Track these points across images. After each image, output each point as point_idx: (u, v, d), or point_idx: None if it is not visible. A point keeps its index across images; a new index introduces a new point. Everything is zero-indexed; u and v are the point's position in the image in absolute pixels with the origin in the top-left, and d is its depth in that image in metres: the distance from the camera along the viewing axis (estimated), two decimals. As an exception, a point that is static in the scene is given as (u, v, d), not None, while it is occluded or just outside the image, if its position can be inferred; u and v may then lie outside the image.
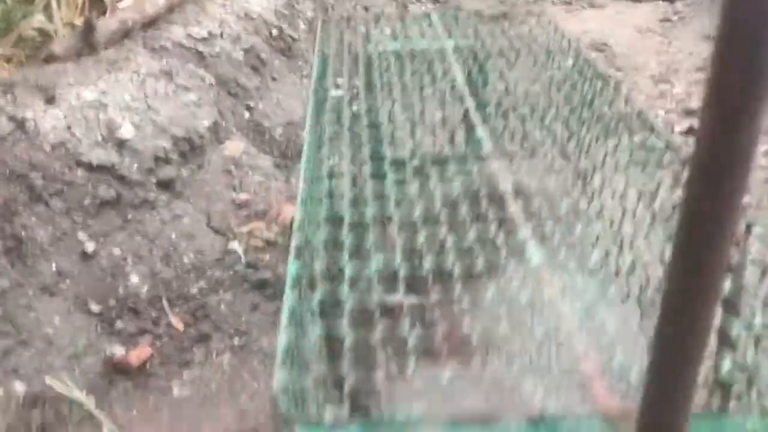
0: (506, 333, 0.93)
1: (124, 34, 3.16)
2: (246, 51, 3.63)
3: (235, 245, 2.69)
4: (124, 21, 3.14)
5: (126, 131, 2.58)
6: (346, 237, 1.14)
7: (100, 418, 1.91)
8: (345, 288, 1.03)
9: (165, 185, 2.69)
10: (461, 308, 0.97)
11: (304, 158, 1.32)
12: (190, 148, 2.87)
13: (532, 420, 0.83)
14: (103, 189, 2.43)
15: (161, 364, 2.12)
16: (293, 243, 1.13)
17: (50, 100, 2.49)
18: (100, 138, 2.50)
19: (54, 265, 2.21)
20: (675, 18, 5.40)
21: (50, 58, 2.83)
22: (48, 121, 2.42)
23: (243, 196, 2.97)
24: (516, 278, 1.03)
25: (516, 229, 1.16)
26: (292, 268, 1.07)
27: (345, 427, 0.82)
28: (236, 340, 2.23)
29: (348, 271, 1.06)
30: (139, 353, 2.10)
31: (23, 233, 2.13)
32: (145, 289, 2.38)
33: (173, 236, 2.60)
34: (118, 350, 2.10)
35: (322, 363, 0.92)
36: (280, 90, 3.87)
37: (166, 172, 2.71)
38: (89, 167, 2.42)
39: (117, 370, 2.07)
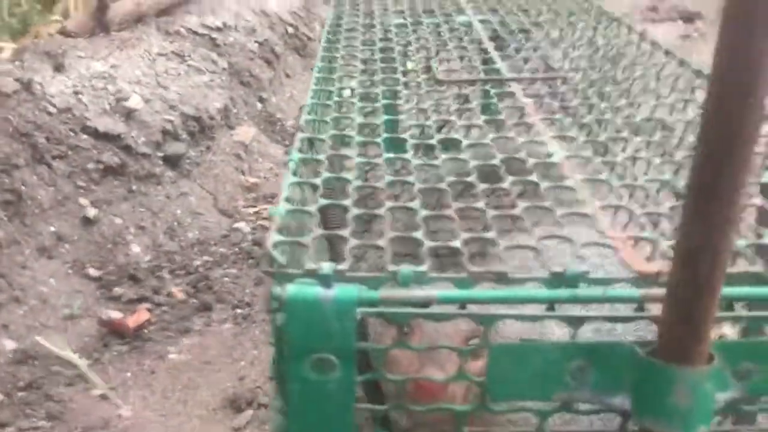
0: (525, 212, 0.84)
1: (138, 18, 3.13)
2: (260, 44, 3.59)
3: (242, 225, 2.62)
4: (138, 4, 3.11)
5: (134, 102, 2.52)
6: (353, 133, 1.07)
7: (92, 378, 1.81)
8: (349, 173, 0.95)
9: (172, 162, 2.63)
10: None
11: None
12: (199, 129, 2.81)
13: (553, 277, 0.74)
14: (108, 156, 2.37)
15: (159, 330, 2.03)
16: (297, 134, 1.05)
17: (59, 68, 2.44)
18: (107, 106, 2.44)
19: (53, 227, 2.14)
20: (695, 35, 5.35)
21: (63, 34, 2.79)
22: (55, 86, 2.37)
23: (252, 180, 2.91)
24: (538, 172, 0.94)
25: (533, 124, 1.08)
26: (293, 156, 0.99)
27: (342, 280, 0.73)
28: (239, 311, 2.13)
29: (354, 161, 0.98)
30: (137, 317, 2.01)
31: (23, 188, 2.06)
32: (146, 259, 2.30)
33: (178, 212, 2.53)
34: (114, 315, 2.02)
35: (321, 229, 0.84)
36: (294, 86, 3.83)
37: (174, 148, 2.64)
38: (95, 134, 2.36)
39: (112, 332, 1.98)
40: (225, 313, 2.12)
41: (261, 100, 3.44)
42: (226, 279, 2.28)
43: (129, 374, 1.87)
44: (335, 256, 1.27)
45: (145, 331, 2.01)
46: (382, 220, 0.86)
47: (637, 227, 0.83)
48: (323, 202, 0.87)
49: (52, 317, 1.95)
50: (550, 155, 1.00)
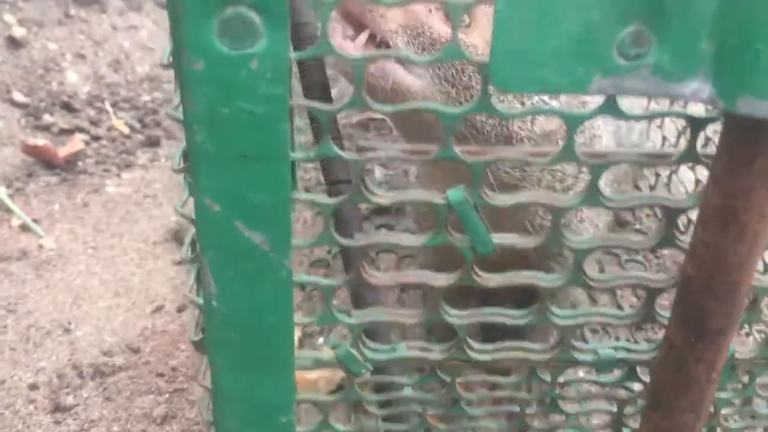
0: None
1: None
2: None
3: (200, 64, 2.31)
4: None
5: None
6: None
7: (11, 207, 1.55)
8: None
9: (119, -10, 2.29)
10: None
11: None
12: (151, -44, 2.46)
13: None
14: (38, -30, 2.03)
15: (96, 163, 1.76)
16: None
17: None
18: None
19: (-29, 44, 1.83)
20: None
21: None
22: None
23: (213, 20, 2.57)
24: None
25: None
26: None
27: None
28: (190, 147, 1.85)
29: None
30: (70, 146, 1.74)
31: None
32: (85, 89, 1.99)
33: (126, 45, 2.21)
34: (43, 143, 1.73)
35: None
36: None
37: (120, -28, 2.30)
38: (21, -57, 2.02)
39: (39, 161, 1.70)
40: (174, 149, 1.84)
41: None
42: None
43: (57, 206, 1.61)
44: None
45: (80, 163, 1.74)
46: None
47: None
48: None
49: (-34, 141, 1.67)
50: None
